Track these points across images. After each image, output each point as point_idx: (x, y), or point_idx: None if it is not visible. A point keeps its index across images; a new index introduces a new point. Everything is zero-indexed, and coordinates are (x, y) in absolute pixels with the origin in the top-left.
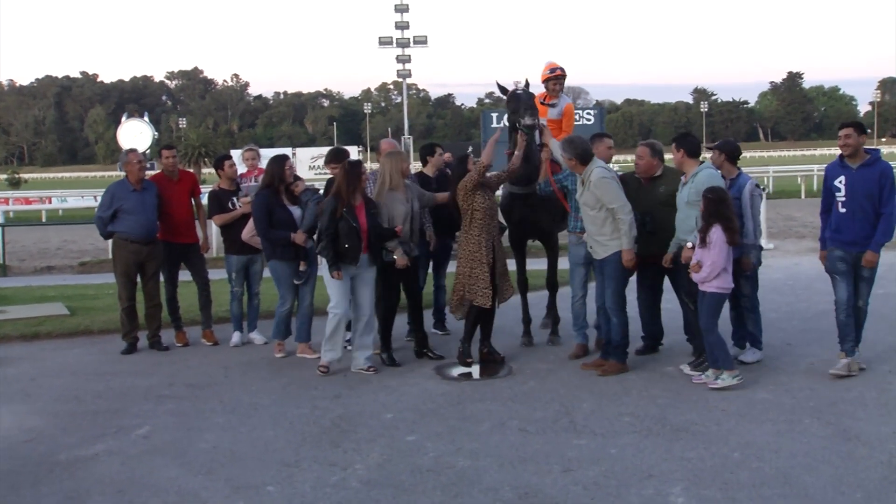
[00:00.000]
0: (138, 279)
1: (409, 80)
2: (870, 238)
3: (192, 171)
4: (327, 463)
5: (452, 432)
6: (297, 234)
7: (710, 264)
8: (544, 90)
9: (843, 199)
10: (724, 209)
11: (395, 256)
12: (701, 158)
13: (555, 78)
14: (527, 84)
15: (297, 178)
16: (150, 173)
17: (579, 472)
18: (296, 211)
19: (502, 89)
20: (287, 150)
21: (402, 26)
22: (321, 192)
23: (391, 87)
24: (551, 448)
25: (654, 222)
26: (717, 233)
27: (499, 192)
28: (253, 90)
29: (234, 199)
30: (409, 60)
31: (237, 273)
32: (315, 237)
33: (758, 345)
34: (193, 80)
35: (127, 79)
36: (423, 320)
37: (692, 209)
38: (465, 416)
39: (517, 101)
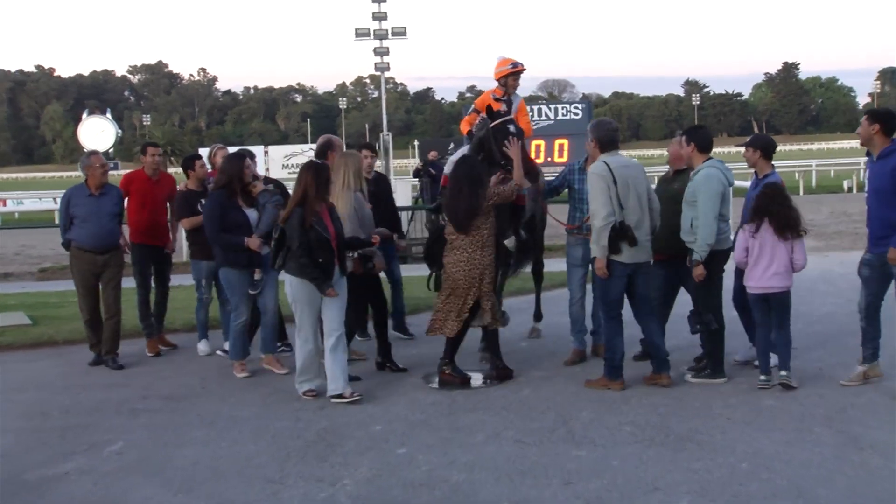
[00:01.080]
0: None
1: (387, 74)
2: (883, 237)
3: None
4: (314, 478)
5: (445, 444)
6: (251, 239)
7: None
8: (499, 86)
9: (866, 195)
10: (773, 205)
11: (374, 261)
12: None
13: (516, 74)
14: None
15: (256, 177)
16: (114, 174)
17: (580, 485)
18: (252, 214)
19: (491, 114)
20: (259, 148)
21: (379, 17)
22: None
23: (367, 80)
24: (549, 460)
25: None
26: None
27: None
28: (221, 85)
29: (203, 200)
30: (387, 53)
31: (206, 279)
32: (274, 251)
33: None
34: (158, 75)
35: (86, 73)
36: (387, 330)
37: (688, 209)
38: (458, 426)
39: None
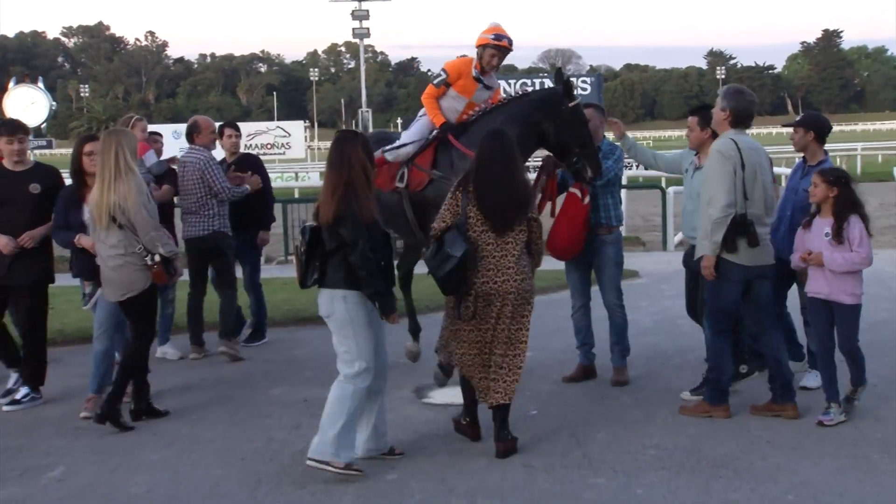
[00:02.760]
0: None
1: (366, 41)
2: None
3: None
4: None
5: (442, 469)
6: (83, 237)
7: (857, 261)
8: (476, 58)
9: None
10: (857, 195)
11: (175, 266)
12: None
13: (500, 49)
14: (559, 73)
15: None
16: (47, 153)
17: None
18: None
19: (561, 77)
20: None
21: None
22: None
23: (343, 48)
24: (563, 488)
25: None
26: (857, 225)
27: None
28: (173, 52)
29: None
30: (366, 17)
31: None
32: (304, 263)
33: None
34: (97, 39)
35: (11, 34)
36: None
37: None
38: (456, 449)
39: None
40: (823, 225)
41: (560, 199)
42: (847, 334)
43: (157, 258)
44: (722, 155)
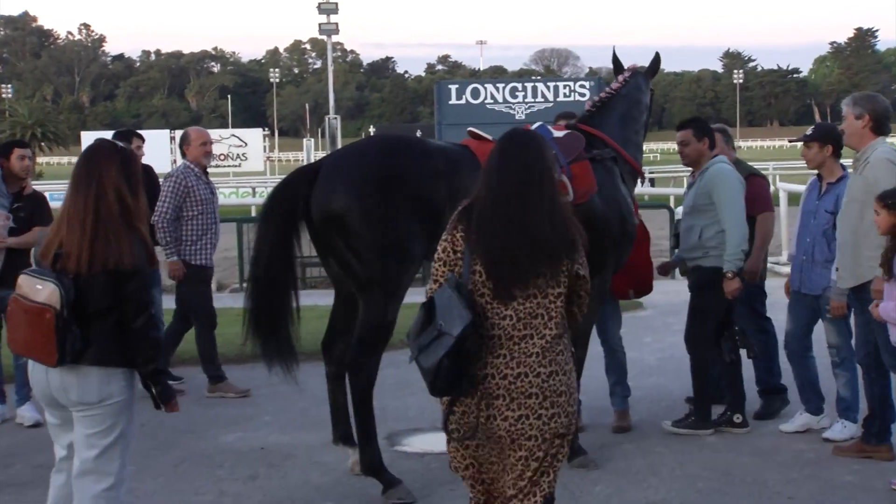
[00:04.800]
0: None
1: (334, 38)
2: None
3: None
4: None
5: None
6: None
7: None
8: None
9: None
10: None
11: None
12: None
13: None
14: (616, 59)
15: None
16: None
17: None
18: None
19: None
20: (162, 133)
21: None
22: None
23: (307, 46)
24: None
25: None
26: None
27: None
28: (111, 47)
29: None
30: (335, 11)
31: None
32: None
33: (850, 416)
34: (22, 31)
35: None
36: None
37: (698, 217)
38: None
39: None
40: None
41: None
42: None
43: None
44: (893, 163)
